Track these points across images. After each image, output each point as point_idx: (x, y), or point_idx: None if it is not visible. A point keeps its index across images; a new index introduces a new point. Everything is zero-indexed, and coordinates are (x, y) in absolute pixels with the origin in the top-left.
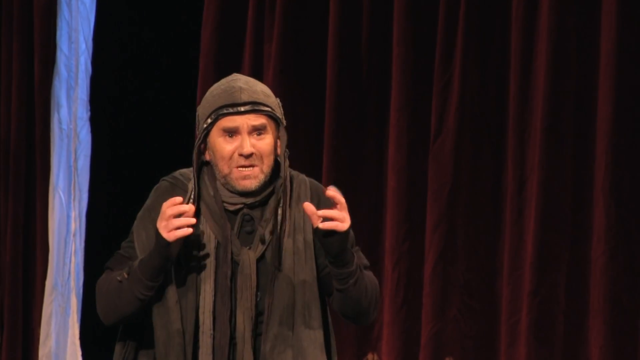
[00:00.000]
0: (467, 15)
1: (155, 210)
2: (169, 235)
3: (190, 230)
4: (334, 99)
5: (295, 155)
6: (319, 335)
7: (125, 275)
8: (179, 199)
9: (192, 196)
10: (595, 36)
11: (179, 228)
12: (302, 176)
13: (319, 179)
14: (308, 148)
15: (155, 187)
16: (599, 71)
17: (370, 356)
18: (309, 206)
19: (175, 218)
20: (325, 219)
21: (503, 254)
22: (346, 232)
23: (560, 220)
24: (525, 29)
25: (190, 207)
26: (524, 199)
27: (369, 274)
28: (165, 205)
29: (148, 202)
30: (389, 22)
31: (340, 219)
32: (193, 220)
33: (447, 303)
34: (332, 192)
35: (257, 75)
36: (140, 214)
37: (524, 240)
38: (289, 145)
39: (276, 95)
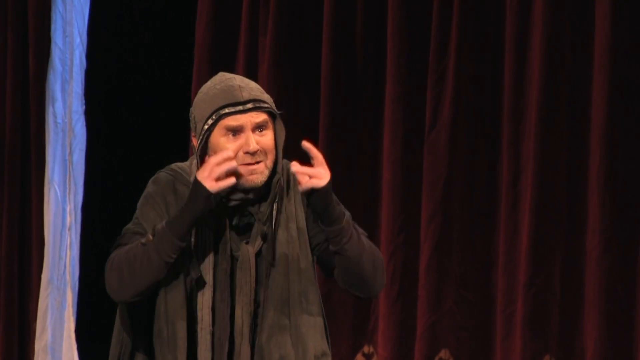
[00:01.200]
0: (461, 7)
1: (161, 197)
2: (213, 185)
3: (233, 180)
4: (329, 92)
5: (290, 147)
6: (318, 320)
7: (151, 237)
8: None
9: None
10: (590, 29)
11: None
12: (287, 162)
13: None
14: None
15: (153, 179)
16: (593, 63)
17: (366, 348)
18: (295, 165)
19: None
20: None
21: (498, 246)
22: (327, 187)
23: (555, 212)
24: (519, 21)
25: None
26: (519, 190)
27: (368, 241)
28: (215, 157)
29: (150, 190)
30: (383, 14)
31: (316, 175)
32: (235, 164)
33: (442, 295)
34: (308, 145)
35: (252, 68)
36: (142, 201)
37: (519, 232)
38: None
39: (271, 88)
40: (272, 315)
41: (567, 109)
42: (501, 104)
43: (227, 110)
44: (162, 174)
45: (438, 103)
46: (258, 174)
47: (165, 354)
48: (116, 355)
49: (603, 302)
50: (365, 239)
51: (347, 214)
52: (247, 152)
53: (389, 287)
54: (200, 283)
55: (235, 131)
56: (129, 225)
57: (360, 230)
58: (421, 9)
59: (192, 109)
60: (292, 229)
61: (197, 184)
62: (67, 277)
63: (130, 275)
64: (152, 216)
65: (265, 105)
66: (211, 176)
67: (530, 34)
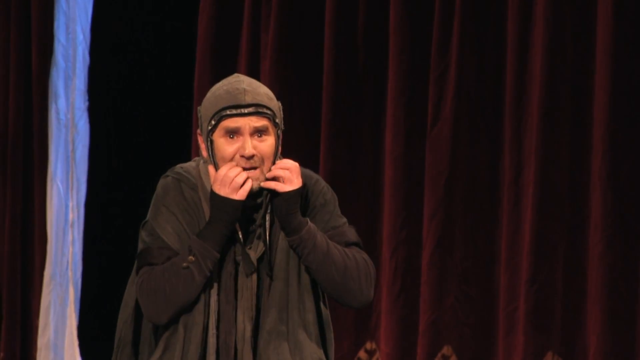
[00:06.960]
0: (463, 3)
1: (173, 206)
2: (240, 194)
3: (251, 182)
4: (331, 88)
5: (292, 145)
6: (313, 328)
7: (191, 258)
8: (233, 164)
9: None
10: (592, 24)
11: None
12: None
13: (316, 169)
14: (305, 137)
15: (162, 185)
16: (595, 59)
17: (368, 344)
18: (282, 162)
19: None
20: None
21: (500, 242)
22: (292, 194)
23: (557, 208)
24: (521, 16)
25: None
26: (521, 186)
27: (350, 250)
28: (223, 169)
29: (160, 198)
30: (385, 10)
31: (285, 178)
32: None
33: (444, 291)
34: (278, 169)
35: (254, 64)
36: (153, 209)
37: (521, 228)
38: (286, 140)
39: (273, 84)
40: (271, 321)
41: (569, 104)
42: (503, 100)
43: (227, 112)
44: (169, 180)
45: (440, 99)
46: (253, 180)
47: (174, 343)
48: (118, 335)
49: (605, 298)
50: (339, 250)
51: (313, 227)
52: (242, 156)
53: (391, 283)
54: (207, 286)
55: (233, 133)
56: (146, 239)
57: (350, 237)
58: (423, 5)
59: (200, 107)
60: None
61: (223, 200)
62: (70, 273)
63: (175, 297)
64: (169, 230)
65: (267, 112)
66: (235, 188)
67: (532, 30)
